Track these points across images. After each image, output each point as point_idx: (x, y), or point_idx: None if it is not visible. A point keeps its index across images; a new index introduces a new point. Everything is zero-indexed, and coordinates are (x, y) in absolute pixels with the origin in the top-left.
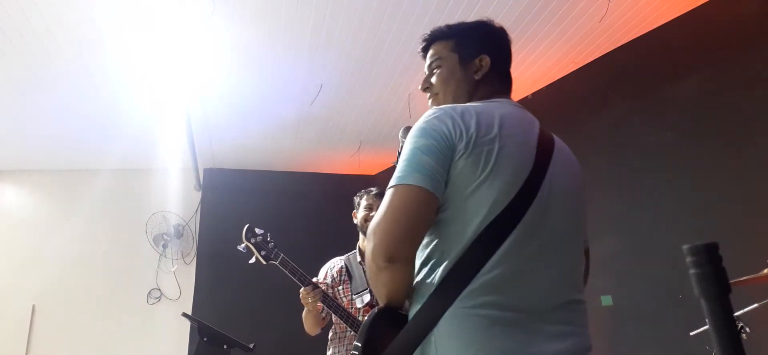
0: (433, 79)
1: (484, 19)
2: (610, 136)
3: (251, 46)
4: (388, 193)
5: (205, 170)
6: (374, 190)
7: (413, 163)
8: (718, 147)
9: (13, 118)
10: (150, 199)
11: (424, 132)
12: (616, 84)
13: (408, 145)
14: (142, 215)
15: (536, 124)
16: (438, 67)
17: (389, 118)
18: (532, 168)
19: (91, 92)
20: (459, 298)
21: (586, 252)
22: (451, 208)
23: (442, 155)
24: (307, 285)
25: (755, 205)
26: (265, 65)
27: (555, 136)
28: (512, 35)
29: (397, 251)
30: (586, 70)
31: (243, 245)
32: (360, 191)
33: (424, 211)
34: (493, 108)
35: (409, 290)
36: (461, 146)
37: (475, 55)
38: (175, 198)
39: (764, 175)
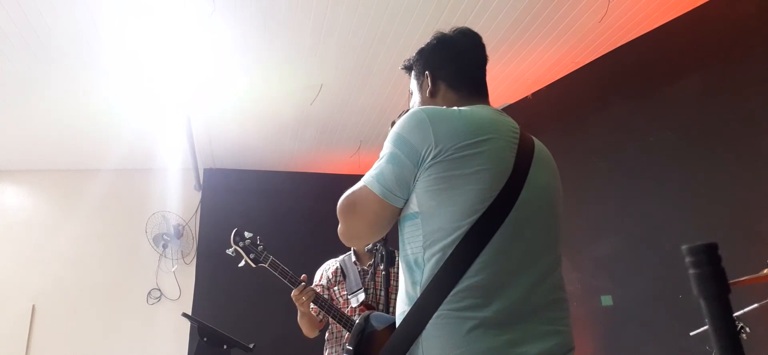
0: (411, 107)
1: (451, 29)
2: (610, 136)
3: (251, 46)
4: (359, 187)
5: (205, 170)
6: None
7: (379, 170)
8: (718, 147)
9: (13, 118)
10: (150, 199)
11: (396, 140)
12: (616, 84)
13: (386, 147)
14: (142, 215)
15: (515, 128)
16: (410, 97)
17: (389, 118)
18: (511, 171)
19: (91, 92)
20: (445, 301)
21: None
22: (431, 209)
23: (410, 163)
24: (297, 286)
25: (755, 205)
26: (265, 65)
27: (535, 139)
28: (512, 35)
29: (356, 243)
30: (586, 70)
31: (231, 249)
32: None
33: (380, 218)
34: (473, 112)
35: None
36: (434, 153)
37: (422, 75)
38: (175, 198)
39: (764, 175)
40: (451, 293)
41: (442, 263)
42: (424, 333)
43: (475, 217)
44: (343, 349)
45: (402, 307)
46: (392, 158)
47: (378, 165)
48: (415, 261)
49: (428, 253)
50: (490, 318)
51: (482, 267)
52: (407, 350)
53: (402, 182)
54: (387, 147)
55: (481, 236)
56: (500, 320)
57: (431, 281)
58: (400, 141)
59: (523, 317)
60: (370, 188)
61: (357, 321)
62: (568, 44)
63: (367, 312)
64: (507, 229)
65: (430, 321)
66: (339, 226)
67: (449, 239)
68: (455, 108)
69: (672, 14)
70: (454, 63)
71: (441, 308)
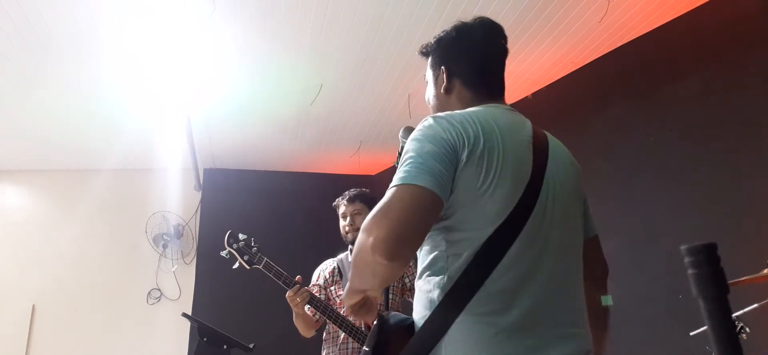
0: (425, 98)
1: (467, 19)
2: (610, 136)
3: (251, 46)
4: (394, 190)
5: (205, 170)
6: (348, 194)
7: (421, 165)
8: (718, 147)
9: (13, 118)
10: (150, 199)
11: (430, 137)
12: (616, 84)
13: (412, 148)
14: (142, 215)
15: (529, 126)
16: (426, 85)
17: (389, 118)
18: (530, 174)
19: (91, 92)
20: (468, 305)
21: (596, 240)
22: (456, 215)
23: (448, 162)
24: (292, 287)
25: (755, 205)
26: (265, 65)
27: (548, 135)
28: (512, 35)
29: (400, 252)
30: (586, 70)
31: (225, 251)
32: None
33: (429, 215)
34: (489, 114)
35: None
36: (464, 155)
37: (438, 68)
38: (175, 198)
39: (764, 175)
40: (474, 297)
41: (465, 268)
42: (447, 337)
43: (498, 222)
44: (342, 348)
45: (422, 311)
46: (434, 155)
47: (415, 162)
48: (437, 265)
49: (452, 257)
50: (512, 323)
51: (504, 272)
52: (429, 352)
53: (450, 173)
54: (422, 146)
55: (503, 241)
56: (522, 324)
57: (454, 285)
58: (437, 139)
59: (542, 320)
60: (422, 183)
61: (375, 323)
62: (568, 44)
63: (384, 312)
64: (527, 232)
65: (453, 326)
66: (373, 258)
67: (473, 244)
68: (470, 112)
69: (672, 14)
70: (471, 60)
71: (464, 312)
